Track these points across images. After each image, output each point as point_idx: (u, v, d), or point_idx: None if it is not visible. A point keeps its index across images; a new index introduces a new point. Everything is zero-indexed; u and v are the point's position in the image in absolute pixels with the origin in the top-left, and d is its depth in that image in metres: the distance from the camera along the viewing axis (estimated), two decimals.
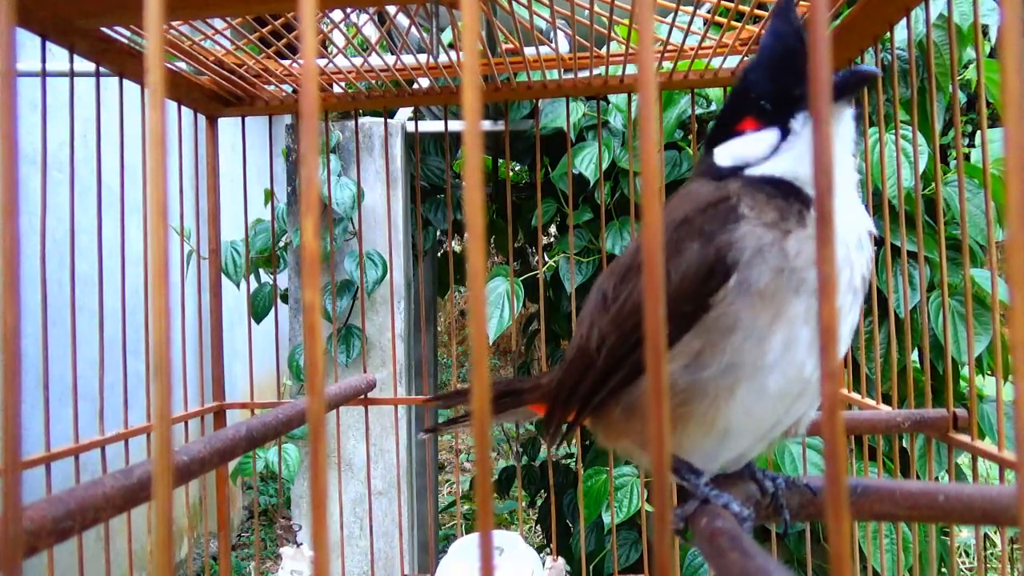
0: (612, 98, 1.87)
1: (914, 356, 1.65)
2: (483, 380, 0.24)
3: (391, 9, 1.16)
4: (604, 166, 1.77)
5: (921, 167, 1.55)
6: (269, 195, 1.46)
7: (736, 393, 0.51)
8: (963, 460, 1.59)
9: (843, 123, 0.58)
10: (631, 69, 1.22)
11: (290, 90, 1.27)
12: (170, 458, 0.22)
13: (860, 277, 0.54)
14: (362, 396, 1.25)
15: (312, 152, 0.24)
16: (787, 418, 0.55)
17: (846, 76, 0.54)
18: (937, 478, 1.50)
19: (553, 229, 2.51)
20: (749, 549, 0.35)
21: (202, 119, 1.29)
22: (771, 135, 0.57)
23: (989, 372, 1.79)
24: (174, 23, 1.01)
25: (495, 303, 1.87)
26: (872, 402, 1.06)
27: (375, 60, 1.22)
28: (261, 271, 2.04)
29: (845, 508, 0.23)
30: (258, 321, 1.98)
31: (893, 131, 0.99)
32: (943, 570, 1.76)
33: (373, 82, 1.24)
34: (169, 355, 0.23)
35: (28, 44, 0.92)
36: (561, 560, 1.14)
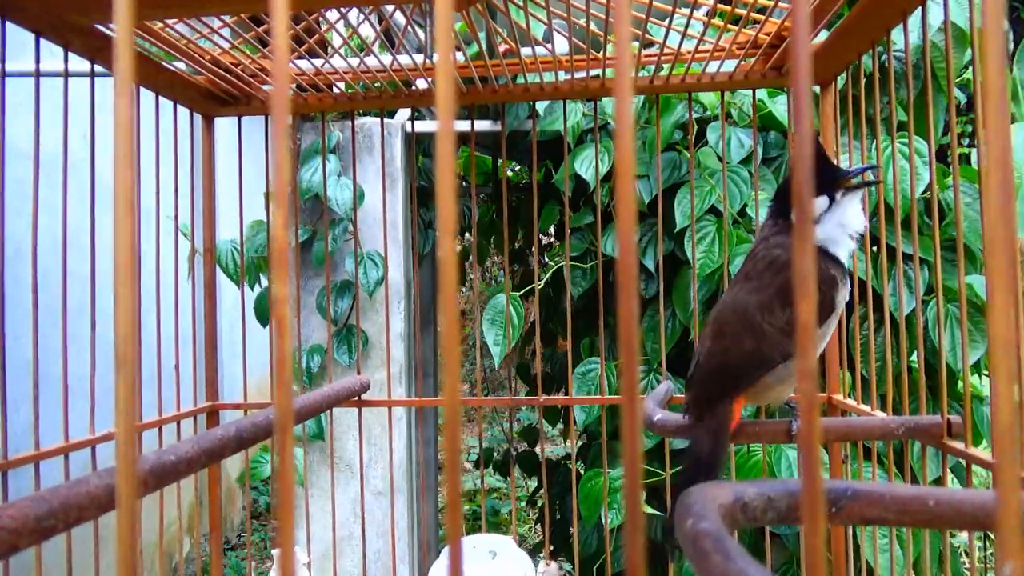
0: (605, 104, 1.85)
1: (912, 357, 1.65)
2: (453, 378, 0.23)
3: (389, 9, 1.15)
4: (603, 169, 1.76)
5: (926, 171, 1.54)
6: (268, 199, 1.45)
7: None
8: (962, 462, 1.58)
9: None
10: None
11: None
12: (134, 457, 0.22)
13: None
14: (355, 398, 1.24)
15: (282, 141, 0.24)
16: None
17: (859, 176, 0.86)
18: (938, 479, 1.49)
19: (552, 229, 2.51)
20: (731, 552, 0.34)
21: (199, 118, 1.29)
22: (822, 202, 0.85)
23: (986, 373, 1.78)
24: (170, 22, 1.01)
25: (498, 322, 1.86)
26: (868, 408, 1.06)
27: (373, 61, 1.21)
28: (261, 275, 2.04)
29: (821, 509, 0.23)
30: (264, 325, 1.97)
31: (896, 136, 0.99)
32: (941, 573, 1.75)
33: (372, 83, 1.23)
34: (134, 350, 0.23)
35: (25, 43, 0.92)
36: (554, 565, 1.14)
